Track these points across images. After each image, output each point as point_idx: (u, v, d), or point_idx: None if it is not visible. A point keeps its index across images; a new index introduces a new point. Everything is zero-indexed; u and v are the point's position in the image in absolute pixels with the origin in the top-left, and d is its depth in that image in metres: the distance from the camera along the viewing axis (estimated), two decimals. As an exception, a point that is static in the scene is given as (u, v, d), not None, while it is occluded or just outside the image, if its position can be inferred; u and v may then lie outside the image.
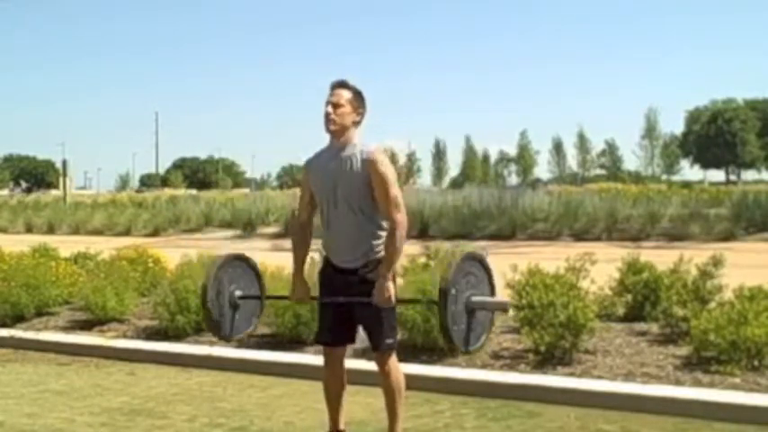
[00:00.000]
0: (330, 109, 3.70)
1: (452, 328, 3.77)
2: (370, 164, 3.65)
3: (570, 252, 6.70)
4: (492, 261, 4.19)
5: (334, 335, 3.85)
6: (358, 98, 3.77)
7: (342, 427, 3.93)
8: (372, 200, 3.68)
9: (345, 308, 3.76)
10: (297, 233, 3.97)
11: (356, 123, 3.77)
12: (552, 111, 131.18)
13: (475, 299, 3.90)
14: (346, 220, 3.70)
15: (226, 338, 4.35)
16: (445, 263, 4.08)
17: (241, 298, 4.25)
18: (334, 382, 3.90)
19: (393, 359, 3.77)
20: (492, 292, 4.09)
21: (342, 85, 3.76)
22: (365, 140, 3.79)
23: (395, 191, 3.65)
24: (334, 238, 3.75)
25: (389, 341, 3.73)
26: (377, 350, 3.78)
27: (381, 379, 3.79)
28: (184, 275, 6.84)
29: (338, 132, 3.73)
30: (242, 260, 4.39)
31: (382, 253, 3.71)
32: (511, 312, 6.17)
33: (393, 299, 3.65)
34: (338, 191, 3.70)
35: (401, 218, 3.63)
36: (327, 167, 3.74)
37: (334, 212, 3.73)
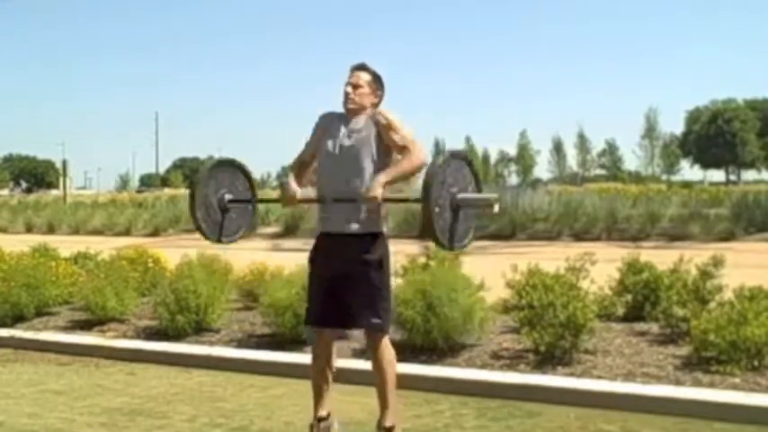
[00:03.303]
0: (350, 89, 3.81)
1: (437, 229, 3.63)
2: (378, 116, 3.75)
3: (570, 252, 6.70)
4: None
5: (323, 314, 3.81)
6: (377, 81, 3.89)
7: (323, 413, 3.86)
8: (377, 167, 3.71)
9: (336, 285, 3.74)
10: (296, 168, 4.02)
11: (374, 105, 3.87)
12: (552, 111, 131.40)
13: (460, 196, 3.77)
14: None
15: (215, 242, 4.24)
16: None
17: (231, 202, 4.18)
18: (319, 366, 3.87)
19: (385, 341, 3.78)
20: (477, 188, 3.93)
21: (361, 67, 3.88)
22: None
23: (406, 131, 3.74)
24: (335, 206, 3.76)
25: (375, 321, 3.72)
26: (363, 327, 3.80)
27: (372, 361, 3.81)
28: (184, 275, 6.83)
29: (356, 112, 3.82)
30: (229, 165, 4.28)
31: (382, 228, 3.77)
32: (511, 312, 6.19)
33: (379, 198, 3.64)
34: (345, 164, 3.74)
35: (419, 148, 3.72)
36: (340, 142, 3.78)
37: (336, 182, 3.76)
